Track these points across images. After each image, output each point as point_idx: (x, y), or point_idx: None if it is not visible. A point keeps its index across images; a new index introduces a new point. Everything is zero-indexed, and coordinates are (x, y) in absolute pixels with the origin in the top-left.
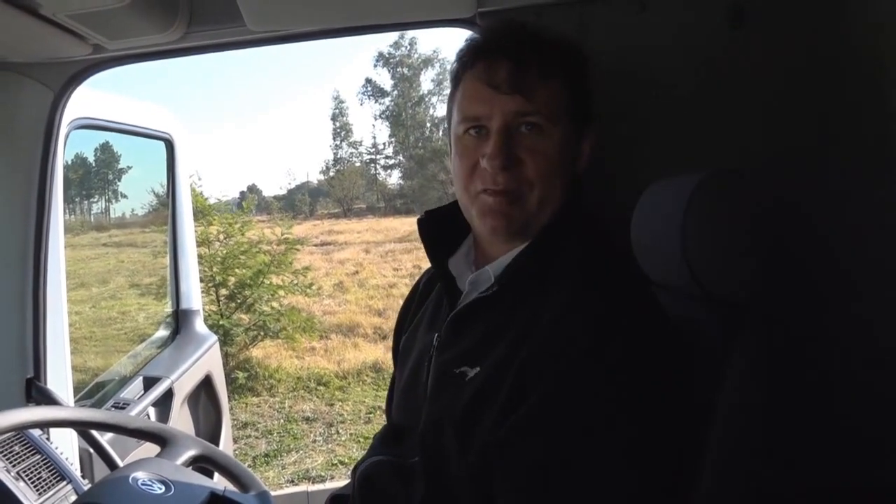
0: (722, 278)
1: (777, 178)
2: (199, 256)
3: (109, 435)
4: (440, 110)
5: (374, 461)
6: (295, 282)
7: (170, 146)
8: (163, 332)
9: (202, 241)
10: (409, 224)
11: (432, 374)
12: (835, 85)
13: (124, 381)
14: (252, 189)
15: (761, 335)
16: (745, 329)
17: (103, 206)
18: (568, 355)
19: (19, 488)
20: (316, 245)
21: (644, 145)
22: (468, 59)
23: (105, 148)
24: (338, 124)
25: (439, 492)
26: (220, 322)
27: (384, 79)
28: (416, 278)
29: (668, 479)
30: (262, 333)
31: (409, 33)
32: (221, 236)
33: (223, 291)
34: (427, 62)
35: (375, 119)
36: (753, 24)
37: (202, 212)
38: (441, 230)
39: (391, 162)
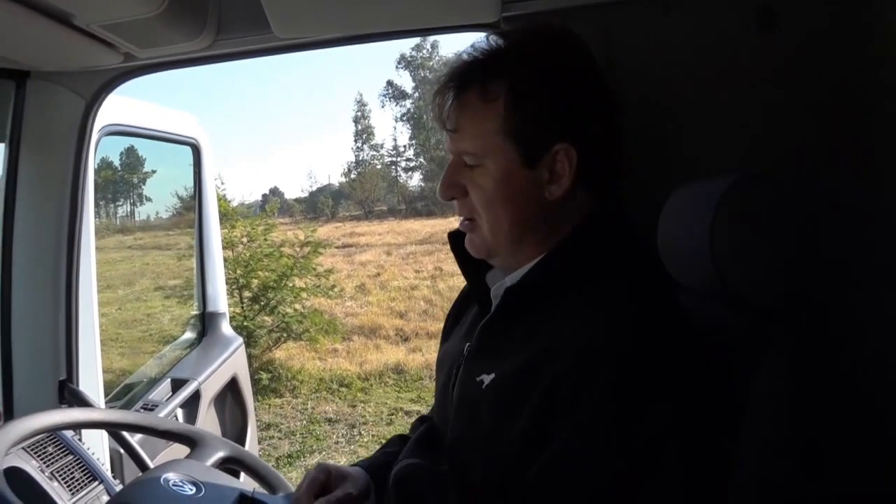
0: (752, 282)
1: (808, 181)
2: (224, 259)
3: (139, 436)
4: None
5: (410, 463)
6: (317, 284)
7: (196, 151)
8: (189, 334)
9: (226, 244)
10: (430, 226)
11: (458, 383)
12: (869, 86)
13: (152, 383)
14: (274, 192)
15: (791, 339)
16: (775, 333)
17: (128, 209)
18: (598, 387)
19: (53, 488)
20: (338, 247)
21: (670, 149)
22: (433, 94)
23: (130, 152)
24: (359, 126)
25: (470, 501)
26: (244, 324)
27: (405, 81)
28: (437, 280)
29: (708, 492)
30: (285, 335)
31: (431, 36)
32: (245, 239)
33: (247, 294)
34: (448, 64)
35: (396, 121)
36: (783, 26)
37: (226, 215)
38: None
39: (412, 164)
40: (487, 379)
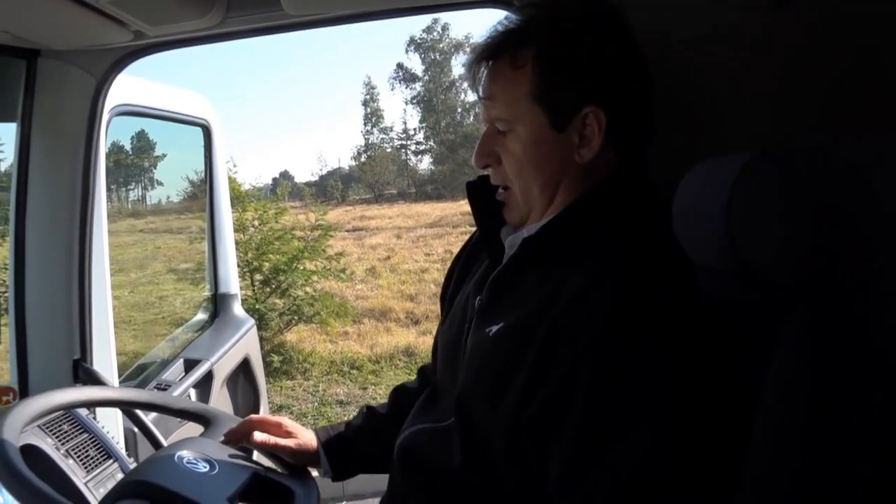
0: (770, 258)
1: (829, 158)
2: (235, 242)
3: (153, 415)
4: (471, 95)
5: (414, 430)
6: (328, 267)
7: (207, 132)
8: (201, 316)
9: (237, 228)
10: (441, 209)
11: (471, 337)
12: (891, 61)
13: (166, 363)
14: (285, 175)
15: (809, 318)
16: (793, 311)
17: (140, 193)
18: (593, 328)
19: (68, 465)
20: (348, 230)
21: (686, 128)
22: (470, 61)
23: (141, 136)
24: (368, 110)
25: (475, 454)
26: (256, 306)
27: (415, 64)
28: (447, 263)
29: (706, 459)
30: (296, 318)
31: (442, 18)
32: (256, 222)
33: (258, 276)
34: (458, 47)
35: (406, 104)
36: (801, 1)
37: (237, 198)
38: (493, 197)
39: (422, 147)
40: (495, 328)
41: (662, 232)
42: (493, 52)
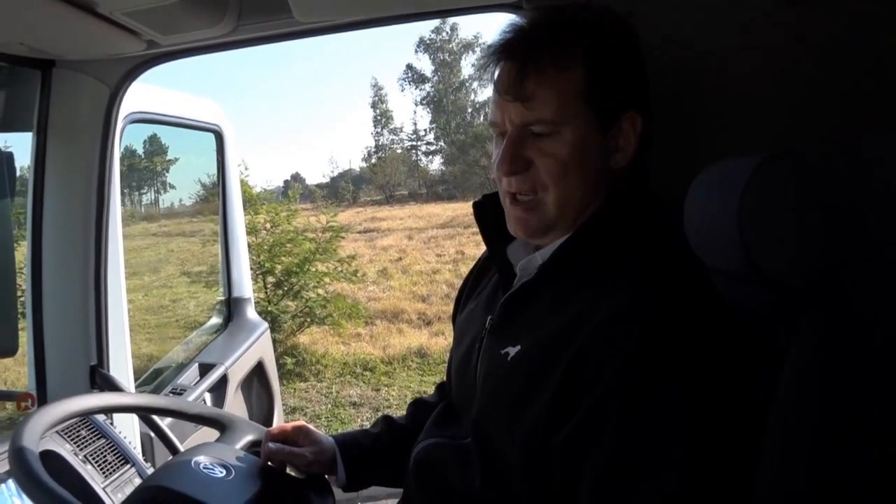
0: (781, 261)
1: (839, 160)
2: (248, 245)
3: (170, 420)
4: (481, 95)
5: (430, 444)
6: (340, 269)
7: (219, 138)
8: (215, 320)
9: (249, 230)
10: (452, 210)
11: (482, 357)
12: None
13: (181, 367)
14: (296, 178)
15: (821, 319)
16: (805, 313)
17: (153, 196)
18: (624, 355)
19: (87, 471)
20: (359, 232)
21: (697, 129)
22: (485, 62)
23: (153, 140)
24: (378, 111)
25: (495, 475)
26: (269, 309)
27: (425, 64)
28: (459, 264)
29: (731, 470)
30: (308, 320)
31: (451, 18)
32: (268, 225)
33: (270, 279)
34: (468, 47)
35: (416, 105)
36: (813, 2)
37: (249, 201)
38: (500, 216)
39: (432, 148)
40: (513, 351)
41: (679, 243)
42: (533, 53)
